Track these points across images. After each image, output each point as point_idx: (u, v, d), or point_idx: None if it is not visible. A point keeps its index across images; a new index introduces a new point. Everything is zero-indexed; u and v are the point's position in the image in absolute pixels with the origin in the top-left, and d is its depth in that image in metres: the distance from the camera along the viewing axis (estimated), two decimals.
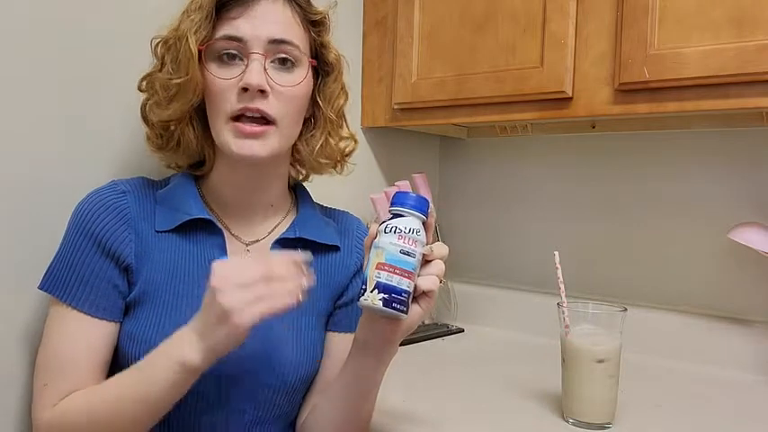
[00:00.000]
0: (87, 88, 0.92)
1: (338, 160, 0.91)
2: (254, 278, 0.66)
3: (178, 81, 0.77)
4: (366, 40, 1.43)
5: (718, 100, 0.99)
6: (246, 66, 0.77)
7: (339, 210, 0.97)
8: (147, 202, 0.81)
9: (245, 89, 0.76)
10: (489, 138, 1.57)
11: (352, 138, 0.92)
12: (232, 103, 0.77)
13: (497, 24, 1.20)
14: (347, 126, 0.91)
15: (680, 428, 0.90)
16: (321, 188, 0.95)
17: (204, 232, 0.82)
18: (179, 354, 0.67)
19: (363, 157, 1.43)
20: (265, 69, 0.77)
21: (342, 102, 0.88)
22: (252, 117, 0.77)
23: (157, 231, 0.80)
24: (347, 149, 0.91)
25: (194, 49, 0.75)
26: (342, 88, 0.88)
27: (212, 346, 0.67)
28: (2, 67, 0.83)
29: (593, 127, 1.36)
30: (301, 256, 0.70)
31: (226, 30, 0.77)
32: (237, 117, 0.77)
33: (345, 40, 1.35)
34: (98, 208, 0.78)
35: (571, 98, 1.12)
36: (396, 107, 1.35)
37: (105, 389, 0.73)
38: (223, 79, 0.77)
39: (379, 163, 1.49)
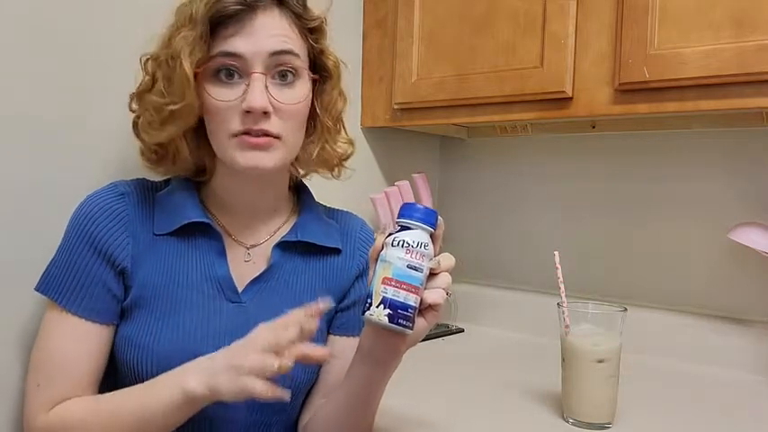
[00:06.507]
0: (87, 89, 0.92)
1: (335, 164, 0.90)
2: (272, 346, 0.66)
3: (173, 107, 0.74)
4: (366, 40, 1.43)
5: (718, 100, 0.99)
6: (248, 85, 0.74)
7: (342, 210, 0.96)
8: (147, 204, 0.80)
9: (247, 111, 0.74)
10: (489, 138, 1.57)
11: (350, 143, 0.90)
12: (234, 124, 0.75)
13: (497, 24, 1.20)
14: (345, 131, 0.90)
15: (680, 428, 0.90)
16: (321, 189, 0.95)
17: (203, 236, 0.81)
18: (183, 378, 0.68)
19: (363, 157, 1.43)
20: (267, 88, 0.74)
21: (340, 107, 0.87)
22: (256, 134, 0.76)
23: (156, 234, 0.79)
24: (345, 154, 0.90)
25: (190, 74, 0.72)
26: (340, 93, 0.86)
27: (214, 386, 0.66)
28: (1, 68, 0.83)
29: (593, 127, 1.36)
30: (325, 304, 0.69)
31: (223, 46, 0.74)
32: (241, 134, 0.76)
33: (345, 41, 1.35)
34: (96, 211, 0.77)
35: (571, 98, 1.12)
36: (396, 107, 1.35)
37: (107, 397, 0.74)
38: (223, 101, 0.74)
39: (379, 163, 1.49)
